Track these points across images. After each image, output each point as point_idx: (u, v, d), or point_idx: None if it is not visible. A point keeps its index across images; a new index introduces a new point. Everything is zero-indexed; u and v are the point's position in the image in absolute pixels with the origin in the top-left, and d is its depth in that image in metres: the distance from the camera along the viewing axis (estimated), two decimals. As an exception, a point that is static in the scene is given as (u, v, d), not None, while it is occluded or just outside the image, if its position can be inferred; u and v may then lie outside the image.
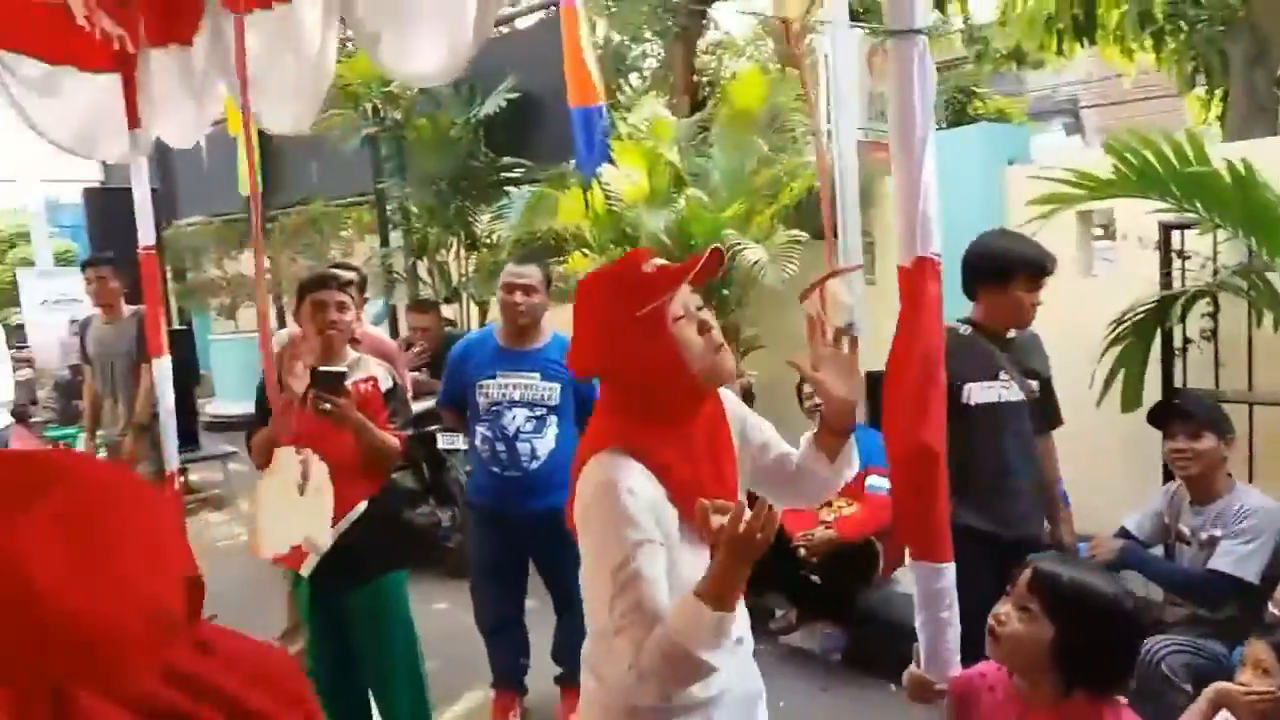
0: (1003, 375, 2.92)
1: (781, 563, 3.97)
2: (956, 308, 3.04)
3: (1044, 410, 3.08)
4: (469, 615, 3.75)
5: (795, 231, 5.03)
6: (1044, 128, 17.17)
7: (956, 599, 1.91)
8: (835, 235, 4.66)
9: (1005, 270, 2.86)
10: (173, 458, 4.89)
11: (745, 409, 1.86)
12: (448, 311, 6.86)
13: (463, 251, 6.88)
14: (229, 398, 9.47)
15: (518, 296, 3.48)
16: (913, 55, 1.77)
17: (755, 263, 4.80)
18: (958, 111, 9.22)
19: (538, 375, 3.47)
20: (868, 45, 8.46)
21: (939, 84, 9.66)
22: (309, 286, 3.22)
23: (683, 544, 1.61)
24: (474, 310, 6.97)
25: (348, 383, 3.08)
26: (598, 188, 5.48)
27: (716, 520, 1.43)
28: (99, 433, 4.97)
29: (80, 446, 5.30)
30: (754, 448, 1.83)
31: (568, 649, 3.55)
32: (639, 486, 1.56)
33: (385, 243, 7.49)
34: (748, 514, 1.44)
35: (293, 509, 2.86)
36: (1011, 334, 2.99)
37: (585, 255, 5.26)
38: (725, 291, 5.29)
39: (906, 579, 4.15)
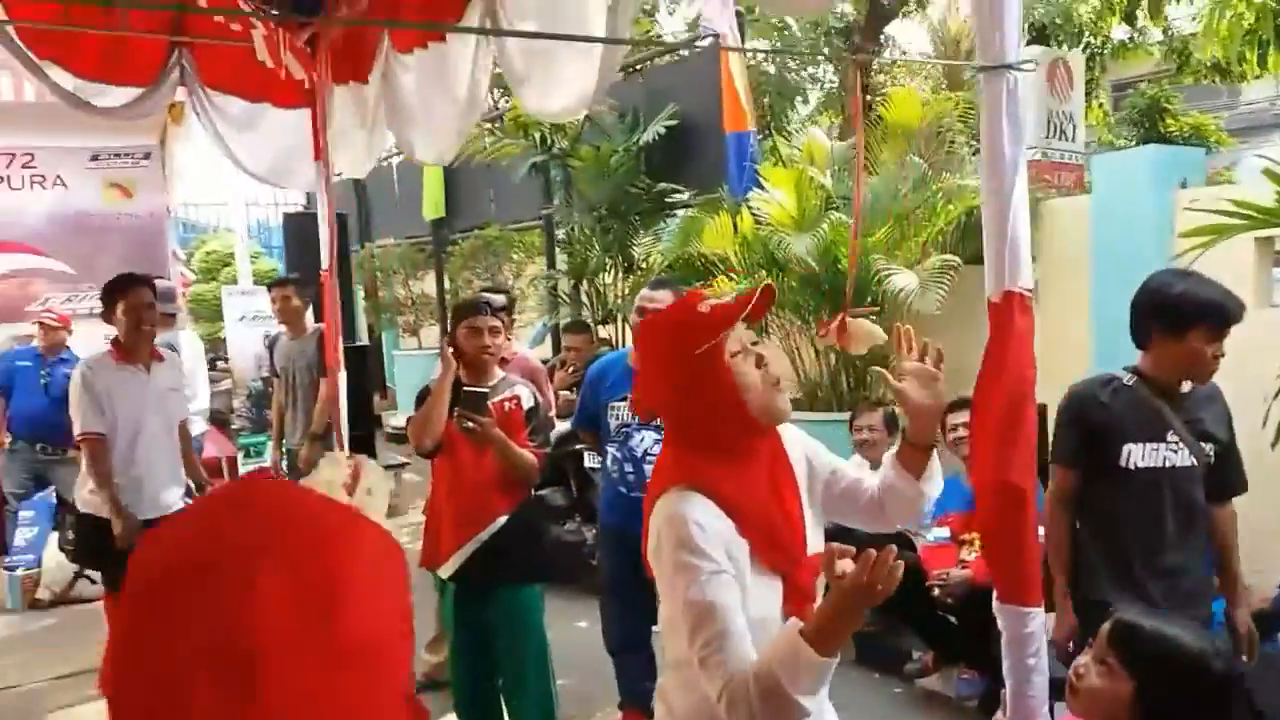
0: (1171, 436, 2.59)
1: (919, 603, 3.87)
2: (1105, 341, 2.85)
3: (1221, 476, 2.70)
4: (608, 634, 3.83)
5: (948, 256, 4.89)
6: (1265, 141, 15.85)
7: (1045, 646, 1.85)
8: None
9: (1184, 318, 2.49)
10: (343, 465, 5.28)
11: (810, 441, 1.85)
12: (606, 333, 7.06)
13: (621, 274, 7.07)
14: (409, 411, 10.04)
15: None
16: (1002, 90, 1.75)
17: (901, 289, 4.70)
18: (1147, 130, 8.66)
19: None
20: (1048, 62, 8.15)
21: (1130, 98, 9.11)
22: (464, 311, 3.45)
23: (755, 576, 1.61)
24: (628, 332, 7.14)
25: (493, 401, 3.28)
26: (748, 212, 5.52)
27: (841, 566, 1.40)
28: (284, 442, 5.43)
29: (268, 453, 5.79)
30: (823, 478, 1.81)
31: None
32: (707, 520, 1.58)
33: (552, 265, 7.80)
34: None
35: None
36: (1185, 387, 2.64)
37: (731, 279, 5.31)
38: (873, 318, 5.19)
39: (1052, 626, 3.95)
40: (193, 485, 4.51)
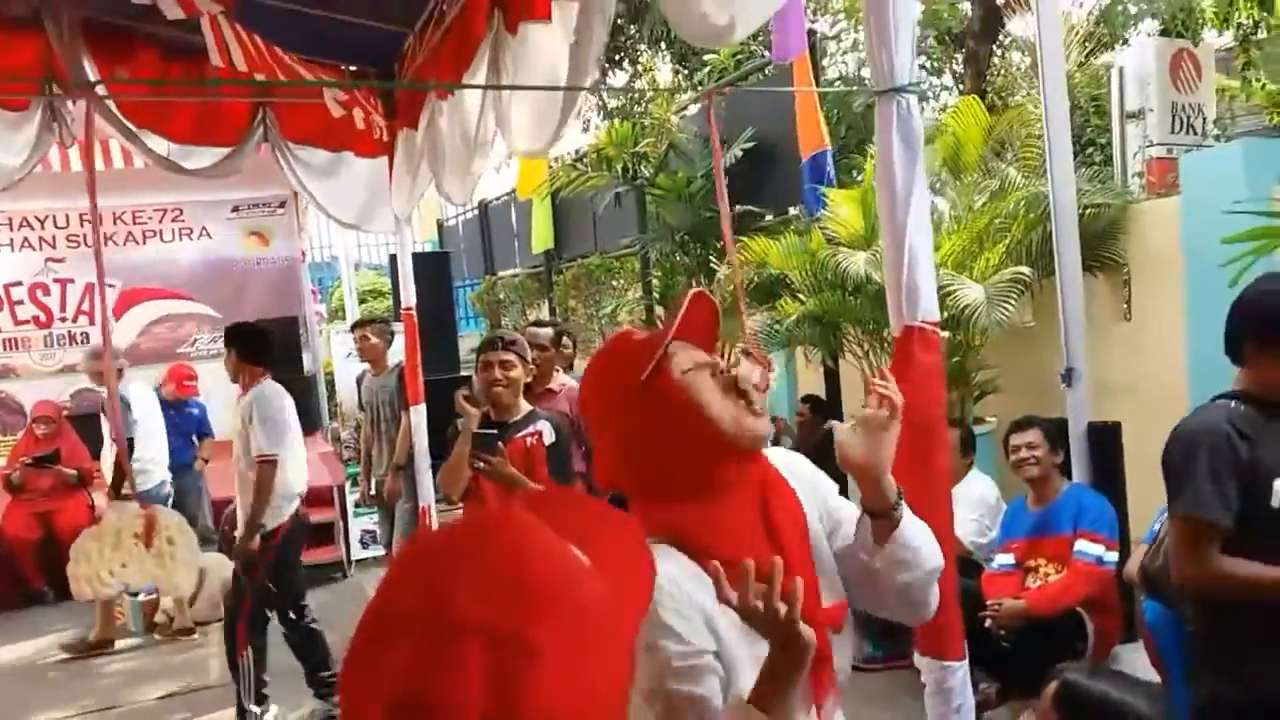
0: None
1: (979, 632, 3.68)
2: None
3: None
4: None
5: (1019, 269, 4.66)
6: None
7: (971, 703, 1.75)
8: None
9: None
10: (427, 495, 5.48)
11: (823, 479, 1.55)
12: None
13: (708, 298, 7.06)
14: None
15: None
16: (893, 114, 1.68)
17: (967, 305, 4.51)
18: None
19: None
20: (1171, 52, 7.65)
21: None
22: (480, 348, 3.56)
23: (744, 638, 1.30)
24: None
25: (515, 437, 3.36)
26: (819, 233, 5.43)
27: (756, 589, 1.17)
28: (372, 474, 5.69)
29: (358, 484, 6.11)
30: (832, 526, 1.50)
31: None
32: (674, 582, 1.30)
33: (647, 291, 7.87)
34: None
35: (113, 556, 3.18)
36: None
37: (795, 300, 5.23)
38: (949, 333, 5.01)
39: (1128, 657, 3.70)
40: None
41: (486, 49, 3.22)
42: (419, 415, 5.42)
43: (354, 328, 5.77)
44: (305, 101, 5.41)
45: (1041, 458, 3.89)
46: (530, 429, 3.43)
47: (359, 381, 5.86)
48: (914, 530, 1.43)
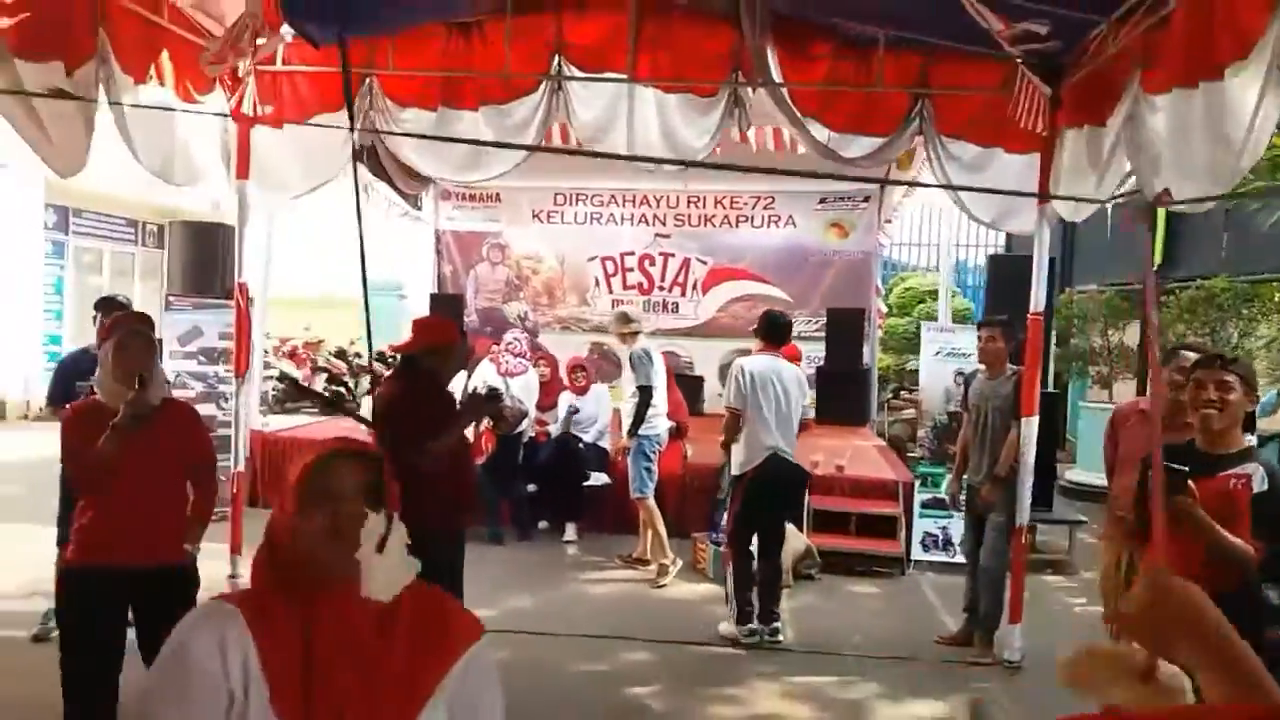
0: None
1: None
2: None
3: None
4: None
5: None
6: None
7: None
8: None
9: None
10: (1024, 513, 5.17)
11: None
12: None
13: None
14: (1090, 467, 9.41)
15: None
16: None
17: None
18: None
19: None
20: None
21: None
22: (1194, 365, 3.18)
23: None
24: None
25: (1224, 473, 2.92)
26: None
27: None
28: (964, 477, 5.48)
29: (945, 485, 5.96)
30: None
31: None
32: None
33: (1293, 327, 6.67)
34: None
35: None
36: None
37: None
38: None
39: None
40: None
41: (1273, 35, 2.78)
42: (1030, 427, 5.11)
43: (980, 326, 5.58)
44: (962, 93, 5.34)
45: None
46: (1238, 469, 2.95)
47: (966, 382, 5.68)
48: None
